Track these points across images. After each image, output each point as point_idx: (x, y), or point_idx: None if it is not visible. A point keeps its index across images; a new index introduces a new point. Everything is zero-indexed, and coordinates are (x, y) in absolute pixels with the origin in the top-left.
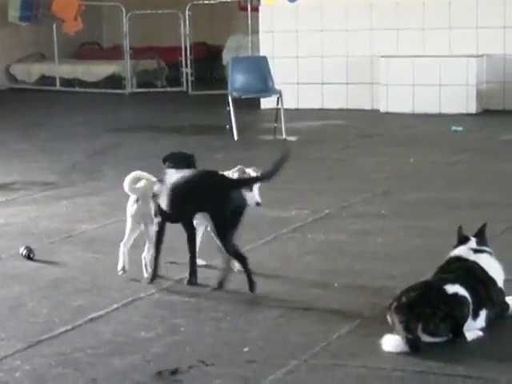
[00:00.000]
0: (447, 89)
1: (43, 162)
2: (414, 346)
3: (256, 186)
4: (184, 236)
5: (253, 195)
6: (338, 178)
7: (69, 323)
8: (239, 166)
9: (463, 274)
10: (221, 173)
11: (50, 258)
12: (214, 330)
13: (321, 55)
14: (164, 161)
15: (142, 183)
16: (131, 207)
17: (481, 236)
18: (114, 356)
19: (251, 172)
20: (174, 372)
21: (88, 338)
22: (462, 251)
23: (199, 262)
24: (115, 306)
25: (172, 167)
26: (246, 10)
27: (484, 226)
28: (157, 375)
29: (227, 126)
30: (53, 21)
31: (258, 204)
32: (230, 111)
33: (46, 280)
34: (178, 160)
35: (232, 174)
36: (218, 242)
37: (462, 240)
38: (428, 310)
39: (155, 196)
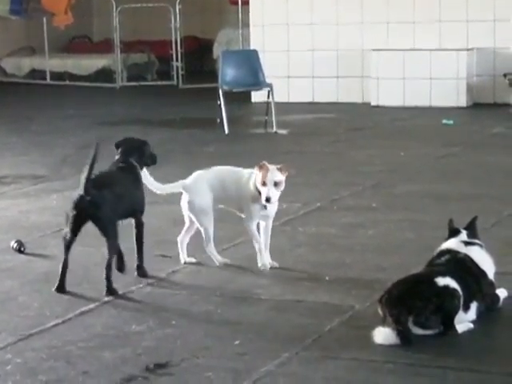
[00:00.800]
0: (438, 82)
1: (34, 156)
2: (405, 339)
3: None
4: (175, 229)
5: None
6: (329, 171)
7: (60, 316)
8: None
9: (454, 266)
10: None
11: (40, 252)
12: (205, 322)
13: (311, 49)
14: (117, 146)
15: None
16: (184, 203)
17: (472, 229)
18: (105, 349)
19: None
20: (164, 365)
21: (79, 331)
22: (452, 244)
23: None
24: (106, 299)
25: (124, 154)
26: (237, 3)
27: (475, 218)
28: (148, 368)
29: (218, 120)
30: (43, 14)
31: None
32: (220, 105)
33: (36, 273)
34: (131, 147)
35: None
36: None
37: (453, 233)
38: (419, 302)
39: None
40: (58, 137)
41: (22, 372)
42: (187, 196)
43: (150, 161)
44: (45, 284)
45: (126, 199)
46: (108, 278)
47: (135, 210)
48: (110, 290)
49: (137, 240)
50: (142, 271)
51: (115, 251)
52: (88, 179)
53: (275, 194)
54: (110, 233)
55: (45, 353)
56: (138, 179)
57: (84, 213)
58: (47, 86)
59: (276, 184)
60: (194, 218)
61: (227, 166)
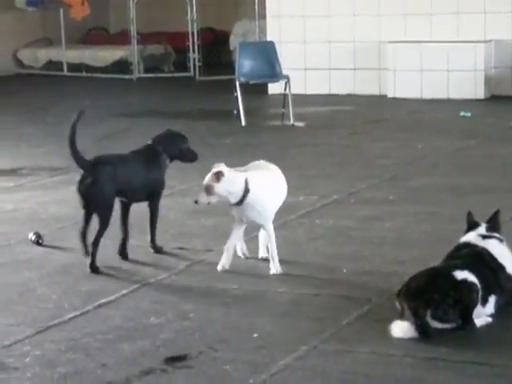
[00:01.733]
0: (455, 74)
1: (51, 147)
2: (424, 332)
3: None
4: (192, 222)
5: None
6: (346, 164)
7: (78, 308)
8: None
9: (472, 260)
10: None
11: (58, 244)
12: (223, 315)
13: (328, 40)
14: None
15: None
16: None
17: (493, 222)
18: (124, 341)
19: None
20: (182, 358)
21: (97, 324)
22: (470, 237)
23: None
24: (124, 291)
25: (152, 140)
26: None
27: (497, 212)
28: (166, 360)
29: (234, 112)
30: (60, 6)
31: None
32: (237, 96)
33: (55, 265)
34: (162, 136)
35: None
36: None
37: (472, 226)
38: (437, 295)
39: None
40: None
41: (40, 364)
42: None
43: (187, 156)
44: (63, 276)
45: (135, 180)
46: (93, 255)
47: (148, 194)
48: (93, 267)
49: (150, 223)
50: (156, 249)
51: (103, 233)
52: (73, 148)
53: (202, 197)
54: (102, 209)
55: (63, 345)
56: (156, 164)
57: (83, 191)
58: (64, 77)
59: (206, 188)
60: None
61: (244, 159)
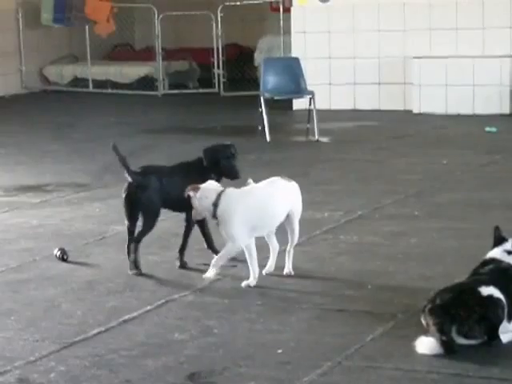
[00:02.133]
0: (481, 89)
1: (76, 164)
2: (449, 348)
3: None
4: (215, 237)
5: None
6: (371, 180)
7: (102, 324)
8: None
9: (498, 275)
10: None
11: (83, 260)
12: (247, 331)
13: (353, 56)
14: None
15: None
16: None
17: None
18: (148, 357)
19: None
20: (207, 374)
21: (122, 340)
22: (496, 253)
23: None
24: (148, 307)
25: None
26: (278, 10)
27: None
28: (190, 377)
29: (259, 127)
30: (85, 23)
31: None
32: (262, 112)
33: (79, 281)
34: (208, 149)
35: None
36: None
37: (498, 241)
38: (462, 311)
39: None
40: (99, 144)
41: (65, 380)
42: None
43: (225, 173)
44: (88, 292)
45: (175, 191)
46: (135, 252)
47: (185, 205)
48: (135, 265)
49: (184, 235)
50: (182, 263)
51: (146, 233)
52: (128, 169)
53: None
54: (147, 214)
55: (88, 361)
56: (197, 177)
57: (130, 196)
58: (89, 93)
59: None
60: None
61: (269, 174)
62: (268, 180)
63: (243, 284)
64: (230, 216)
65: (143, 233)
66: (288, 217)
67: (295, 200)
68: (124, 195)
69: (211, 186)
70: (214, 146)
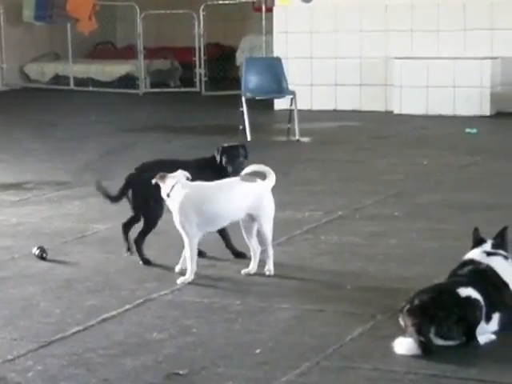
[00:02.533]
0: (461, 91)
1: (56, 162)
2: (427, 349)
3: None
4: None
5: None
6: (352, 180)
7: (81, 323)
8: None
9: (476, 277)
10: None
11: (62, 258)
12: (225, 331)
13: (335, 56)
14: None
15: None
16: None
17: (500, 239)
18: (126, 357)
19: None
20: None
21: (100, 339)
22: (475, 254)
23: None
24: (127, 306)
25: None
26: (260, 10)
27: (504, 228)
28: (169, 376)
29: (240, 127)
30: (67, 20)
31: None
32: (243, 112)
33: (58, 280)
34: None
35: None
36: None
37: (477, 242)
38: (441, 312)
39: None
40: (80, 143)
41: (42, 379)
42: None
43: (235, 171)
44: (67, 291)
45: None
46: (138, 251)
47: None
48: (144, 260)
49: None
50: (234, 252)
51: (148, 229)
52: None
53: None
54: (144, 208)
55: (66, 360)
56: (211, 174)
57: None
58: (71, 91)
59: None
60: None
61: None
62: (230, 179)
63: (179, 281)
64: (176, 208)
65: (143, 233)
66: (251, 218)
67: (257, 201)
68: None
69: (174, 176)
70: (230, 146)
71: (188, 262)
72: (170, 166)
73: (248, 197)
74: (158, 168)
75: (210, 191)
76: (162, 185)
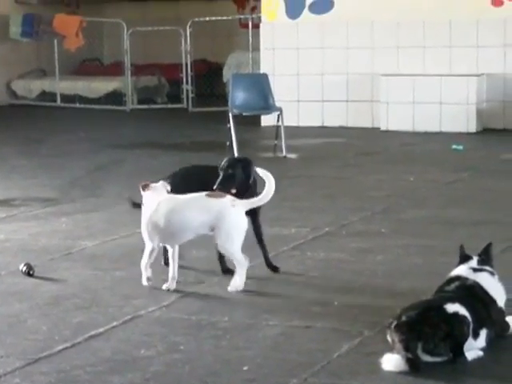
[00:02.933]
0: (448, 107)
1: (43, 178)
2: (414, 366)
3: None
4: (182, 252)
5: None
6: (338, 196)
7: (68, 340)
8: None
9: (463, 293)
10: None
11: (49, 275)
12: (213, 348)
13: (321, 73)
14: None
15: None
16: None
17: (485, 255)
18: (114, 374)
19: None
20: None
21: (87, 356)
22: (462, 270)
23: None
24: (115, 323)
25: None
26: (247, 27)
27: (489, 245)
28: None
29: (227, 143)
30: (54, 37)
31: None
32: (230, 128)
33: (45, 297)
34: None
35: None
36: None
37: (464, 259)
38: (428, 329)
39: None
40: (67, 160)
41: None
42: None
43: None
44: (54, 308)
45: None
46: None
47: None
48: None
49: (257, 240)
50: (270, 266)
51: None
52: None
53: None
54: None
55: (53, 377)
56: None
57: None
58: (57, 108)
59: None
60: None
61: None
62: (197, 194)
63: (164, 287)
64: (147, 216)
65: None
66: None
67: (216, 217)
68: None
69: (155, 187)
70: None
71: (142, 267)
72: (205, 172)
73: (209, 212)
74: (194, 173)
75: (178, 204)
76: (142, 193)
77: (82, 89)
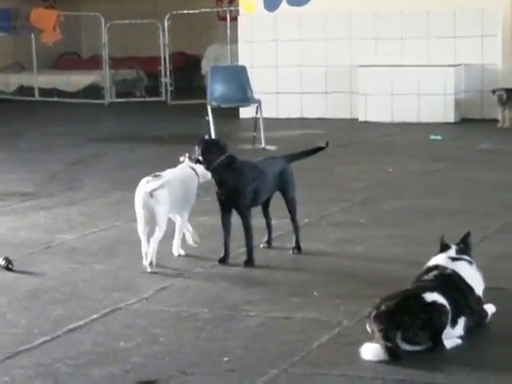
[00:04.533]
0: (426, 98)
1: (22, 173)
2: (394, 355)
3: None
4: (164, 246)
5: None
6: (318, 187)
7: (48, 334)
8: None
9: (441, 282)
10: None
11: (28, 269)
12: (193, 339)
13: (300, 65)
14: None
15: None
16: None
17: (464, 244)
18: (94, 366)
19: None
20: (153, 383)
21: (67, 349)
22: (440, 259)
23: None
24: (94, 316)
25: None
26: (225, 19)
27: (467, 234)
28: None
29: (206, 136)
30: (31, 31)
31: None
32: (209, 121)
33: (24, 290)
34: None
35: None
36: None
37: (443, 248)
38: (407, 318)
39: None
40: (46, 154)
41: None
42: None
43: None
44: (33, 301)
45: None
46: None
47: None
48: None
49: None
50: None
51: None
52: None
53: None
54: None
55: (33, 370)
56: None
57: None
58: (35, 102)
59: None
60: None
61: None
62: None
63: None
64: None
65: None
66: None
67: (147, 201)
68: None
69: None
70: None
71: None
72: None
73: (143, 196)
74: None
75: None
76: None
77: (61, 83)
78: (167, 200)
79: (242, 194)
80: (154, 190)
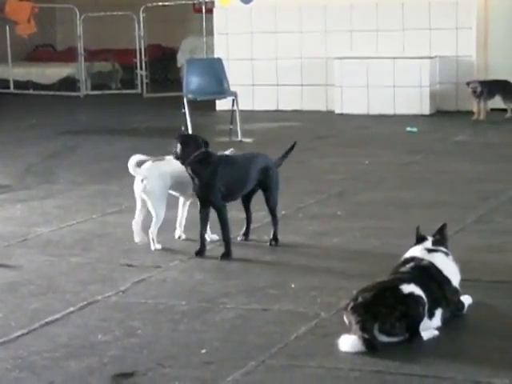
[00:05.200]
0: (401, 90)
1: None
2: (371, 346)
3: None
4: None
5: None
6: (294, 180)
7: (25, 327)
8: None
9: (418, 273)
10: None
11: (5, 262)
12: (171, 331)
13: (275, 57)
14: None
15: (147, 165)
16: (137, 187)
17: (440, 236)
18: (71, 359)
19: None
20: (131, 375)
21: (44, 342)
22: (416, 251)
23: (214, 237)
24: (71, 309)
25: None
26: (201, 11)
27: (444, 225)
28: (114, 378)
29: (183, 128)
30: (6, 23)
31: None
32: (185, 113)
33: (1, 284)
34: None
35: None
36: None
37: (419, 240)
38: (384, 309)
39: None
40: (21, 147)
41: None
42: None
43: None
44: (10, 294)
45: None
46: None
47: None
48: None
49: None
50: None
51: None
52: None
53: None
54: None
55: (10, 363)
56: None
57: None
58: (10, 94)
59: None
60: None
61: None
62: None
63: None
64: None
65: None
66: None
67: (140, 185)
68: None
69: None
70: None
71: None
72: None
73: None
74: None
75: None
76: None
77: (36, 75)
78: (160, 186)
79: (212, 188)
80: (146, 176)
